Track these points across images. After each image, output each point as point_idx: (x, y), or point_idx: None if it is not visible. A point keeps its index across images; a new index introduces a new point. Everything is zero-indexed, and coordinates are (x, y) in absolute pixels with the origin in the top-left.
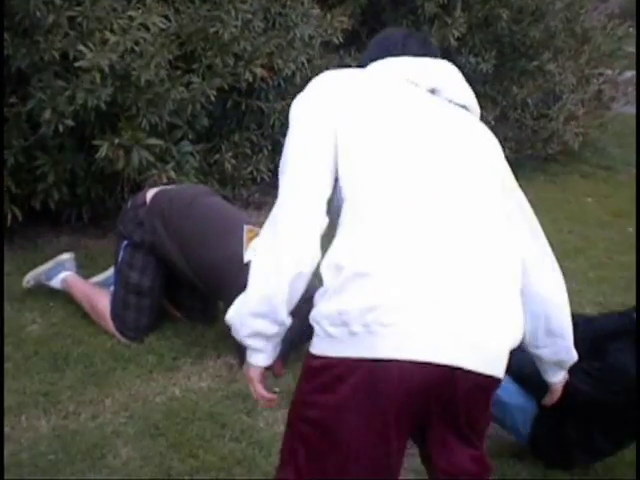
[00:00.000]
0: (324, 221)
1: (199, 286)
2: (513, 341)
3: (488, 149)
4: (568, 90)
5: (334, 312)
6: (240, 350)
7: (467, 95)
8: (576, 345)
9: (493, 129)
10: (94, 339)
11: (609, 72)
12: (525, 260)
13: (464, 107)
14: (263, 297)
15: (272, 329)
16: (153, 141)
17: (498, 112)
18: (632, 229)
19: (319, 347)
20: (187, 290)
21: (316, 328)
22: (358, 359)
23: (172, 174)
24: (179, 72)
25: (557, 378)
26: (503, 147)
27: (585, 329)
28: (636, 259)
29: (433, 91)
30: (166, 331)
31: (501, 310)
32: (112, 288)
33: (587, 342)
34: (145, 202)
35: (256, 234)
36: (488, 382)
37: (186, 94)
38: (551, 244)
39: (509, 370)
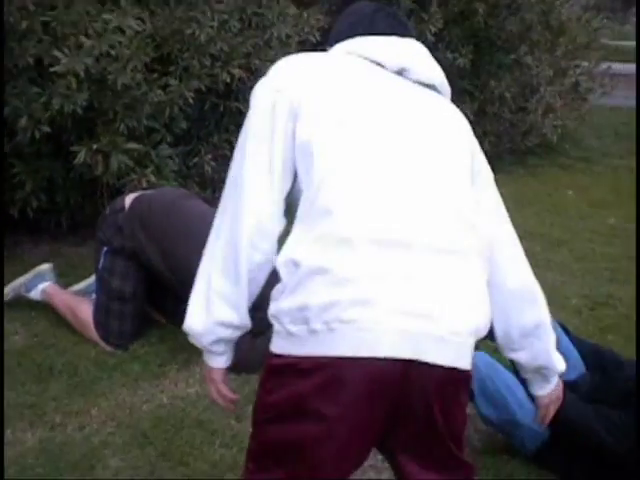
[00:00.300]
0: (281, 217)
1: (181, 290)
2: (478, 331)
3: (455, 132)
4: (545, 83)
5: (294, 309)
6: None
7: (435, 74)
8: (616, 387)
9: (472, 124)
10: (78, 348)
11: (585, 64)
12: (493, 249)
13: (433, 87)
14: (228, 305)
15: (236, 334)
16: (131, 145)
17: (476, 107)
18: (613, 220)
19: (280, 345)
20: (170, 295)
21: (276, 326)
22: (319, 357)
23: (152, 178)
24: (156, 75)
25: (543, 391)
26: (482, 141)
27: (629, 375)
28: (636, 265)
29: (400, 72)
30: (151, 337)
31: (464, 299)
32: (94, 296)
33: (620, 389)
34: (124, 207)
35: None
36: (455, 375)
37: (163, 97)
38: (534, 237)
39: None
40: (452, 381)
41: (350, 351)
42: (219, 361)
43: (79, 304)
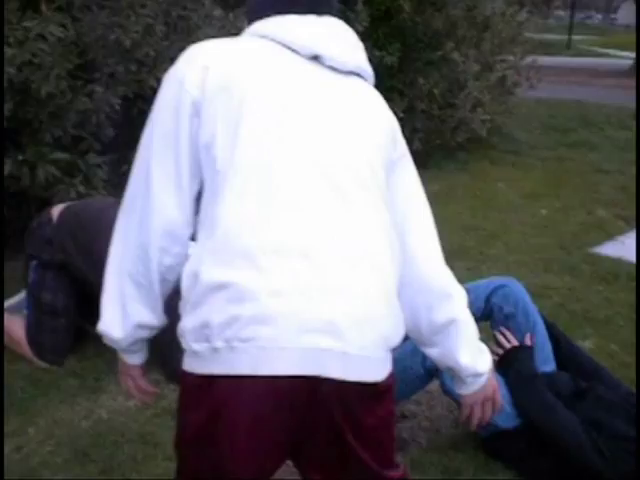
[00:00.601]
0: (191, 219)
1: None
2: (387, 340)
3: (368, 123)
4: (472, 78)
5: (197, 327)
6: (165, 365)
7: (356, 58)
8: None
9: (402, 121)
10: (11, 366)
11: (511, 58)
12: (405, 240)
13: (353, 72)
14: (145, 308)
15: (154, 332)
16: (58, 155)
17: (406, 104)
18: (545, 211)
19: (187, 363)
20: None
21: (182, 344)
22: (224, 377)
23: (81, 188)
24: (81, 82)
25: (462, 391)
26: (412, 138)
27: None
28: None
29: (316, 57)
30: (86, 351)
31: (370, 310)
32: (25, 312)
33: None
34: (51, 219)
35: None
36: (365, 389)
37: (89, 104)
38: (467, 231)
39: None
40: (362, 394)
41: (250, 370)
42: (137, 358)
43: (10, 321)
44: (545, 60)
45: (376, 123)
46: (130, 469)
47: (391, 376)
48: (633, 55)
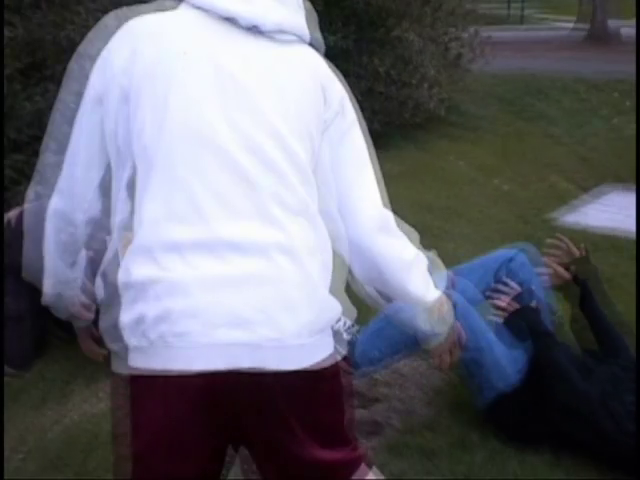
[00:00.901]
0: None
1: None
2: (312, 325)
3: (299, 93)
4: (428, 57)
5: (133, 322)
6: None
7: (296, 24)
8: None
9: (360, 104)
10: None
11: (465, 35)
12: (351, 207)
13: (297, 38)
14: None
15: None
16: (14, 157)
17: (363, 86)
18: (505, 185)
19: (130, 357)
20: None
21: (124, 338)
22: (158, 371)
23: (39, 189)
24: (33, 81)
25: (432, 343)
26: (372, 120)
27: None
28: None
29: (254, 28)
30: (54, 355)
31: (286, 299)
32: None
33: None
34: (10, 222)
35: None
36: (291, 378)
37: (43, 103)
38: (430, 209)
39: None
40: (288, 384)
41: (184, 365)
42: (81, 322)
43: None
44: (500, 35)
45: (307, 97)
46: (105, 471)
47: (330, 357)
48: (586, 26)
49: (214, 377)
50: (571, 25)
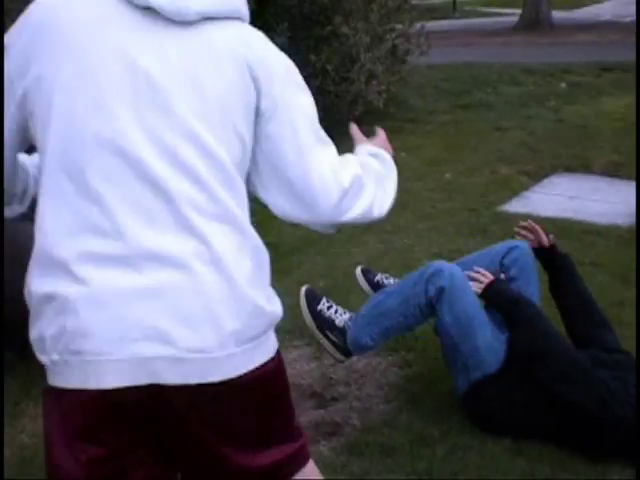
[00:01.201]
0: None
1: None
2: (237, 334)
3: (216, 78)
4: (364, 50)
5: (36, 339)
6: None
7: (226, 5)
8: None
9: None
10: None
11: (399, 26)
12: (310, 203)
13: (205, 17)
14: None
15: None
16: None
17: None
18: (449, 175)
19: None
20: (17, 326)
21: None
22: (60, 389)
23: None
24: None
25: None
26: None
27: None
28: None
29: (176, 17)
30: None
31: (208, 308)
32: None
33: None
34: None
35: None
36: (216, 389)
37: None
38: None
39: None
40: (212, 394)
41: (80, 383)
42: None
43: None
44: (433, 25)
45: (232, 91)
46: None
47: (270, 362)
48: (517, 11)
49: (135, 391)
50: (501, 11)
